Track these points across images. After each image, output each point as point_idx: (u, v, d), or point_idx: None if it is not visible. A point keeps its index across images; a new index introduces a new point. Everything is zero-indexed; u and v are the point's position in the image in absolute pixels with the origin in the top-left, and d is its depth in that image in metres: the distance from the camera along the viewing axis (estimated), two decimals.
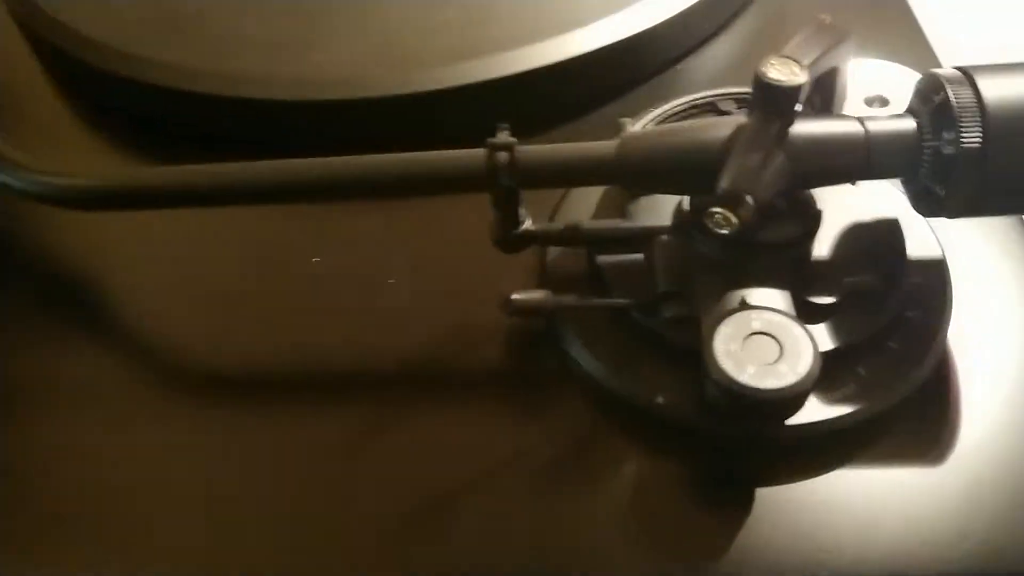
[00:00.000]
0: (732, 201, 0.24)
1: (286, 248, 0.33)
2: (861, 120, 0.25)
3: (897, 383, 0.27)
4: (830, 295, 0.27)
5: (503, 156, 0.25)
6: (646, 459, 0.27)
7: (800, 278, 0.27)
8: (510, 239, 0.28)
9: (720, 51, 0.41)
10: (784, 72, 0.24)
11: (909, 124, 0.25)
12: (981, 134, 0.24)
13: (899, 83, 0.36)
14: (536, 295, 0.26)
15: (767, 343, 0.24)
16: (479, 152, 0.25)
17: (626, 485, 0.27)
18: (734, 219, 0.24)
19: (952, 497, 0.26)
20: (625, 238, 0.29)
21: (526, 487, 0.26)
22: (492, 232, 0.28)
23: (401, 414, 0.28)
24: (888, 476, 0.26)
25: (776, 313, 0.24)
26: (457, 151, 0.26)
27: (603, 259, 0.29)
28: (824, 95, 0.28)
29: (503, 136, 0.26)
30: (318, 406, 0.28)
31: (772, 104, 0.24)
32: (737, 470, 0.27)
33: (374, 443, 0.27)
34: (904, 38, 0.40)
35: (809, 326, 0.26)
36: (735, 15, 0.42)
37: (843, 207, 0.29)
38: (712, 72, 0.40)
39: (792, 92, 0.24)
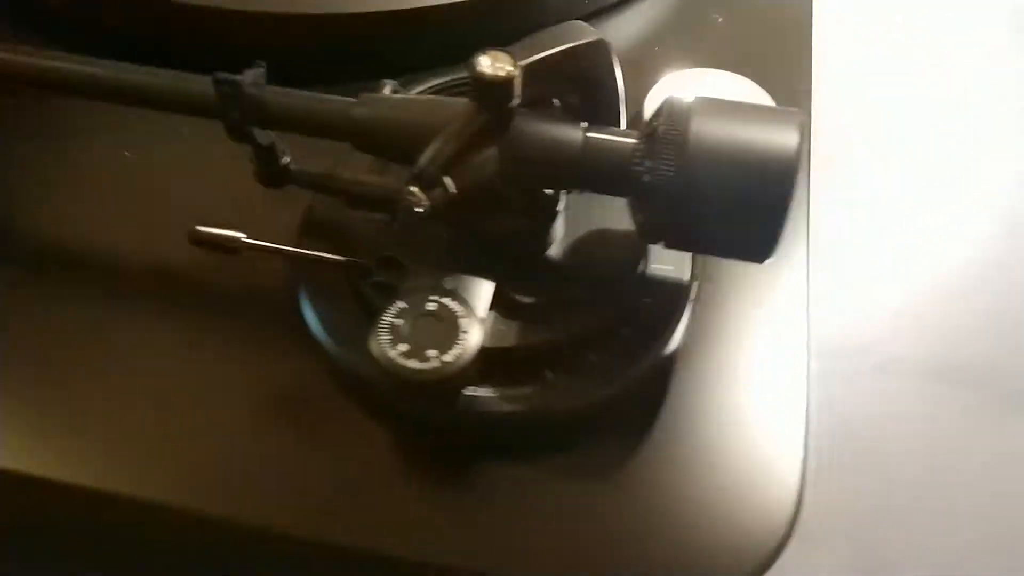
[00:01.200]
0: (423, 182, 0.24)
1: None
2: (587, 129, 0.25)
3: (580, 394, 0.27)
4: (538, 295, 0.27)
5: (227, 90, 0.26)
6: (360, 426, 0.28)
7: (520, 273, 0.27)
8: (265, 173, 0.29)
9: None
10: (495, 65, 0.23)
11: (628, 143, 0.25)
12: (674, 168, 0.23)
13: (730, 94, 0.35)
14: (226, 232, 0.27)
15: (435, 327, 0.25)
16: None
17: (332, 449, 0.28)
18: (424, 200, 0.24)
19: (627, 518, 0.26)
20: (378, 197, 0.29)
21: (245, 429, 0.28)
22: (252, 164, 0.29)
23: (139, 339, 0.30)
24: (580, 483, 0.27)
25: (458, 301, 0.25)
26: (202, 77, 0.27)
27: (356, 214, 0.30)
28: (598, 101, 0.27)
29: (256, 72, 0.27)
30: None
31: (482, 95, 0.24)
32: (441, 449, 0.28)
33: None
34: (787, 57, 0.39)
35: (506, 322, 0.27)
36: None
37: (606, 217, 0.29)
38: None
39: (500, 85, 0.24)
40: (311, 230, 0.30)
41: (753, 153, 0.23)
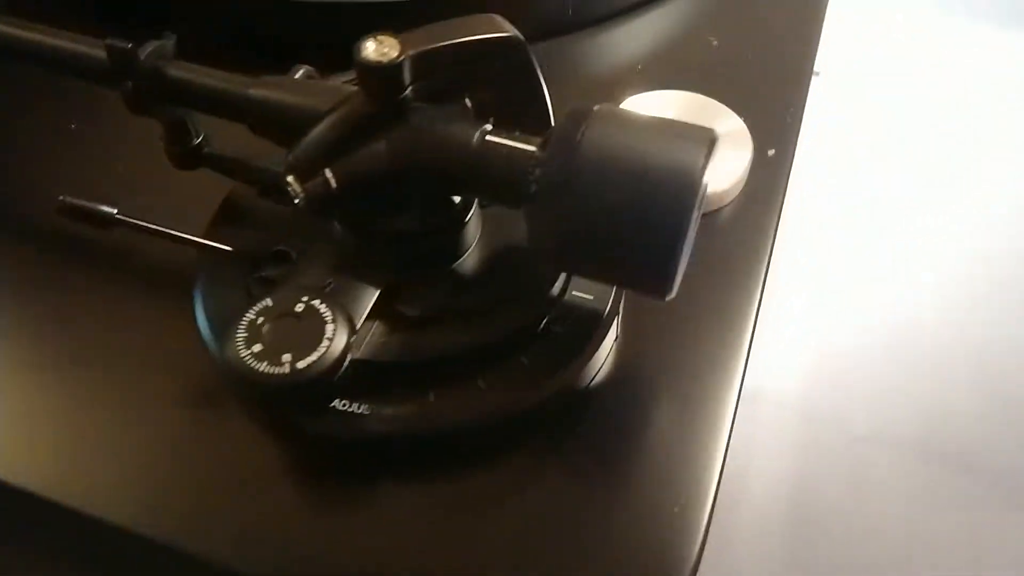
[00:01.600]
0: (298, 172, 0.23)
1: None
2: (486, 131, 0.23)
3: (456, 418, 0.25)
4: (430, 309, 0.25)
5: (119, 58, 0.24)
6: (245, 433, 0.26)
7: (420, 283, 0.25)
8: (175, 153, 0.28)
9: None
10: (379, 50, 0.22)
11: (526, 149, 0.22)
12: (562, 177, 0.21)
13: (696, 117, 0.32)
14: (96, 206, 0.26)
15: (297, 330, 0.23)
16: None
17: (215, 455, 0.26)
18: (299, 191, 0.23)
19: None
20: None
21: (133, 424, 0.26)
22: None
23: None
24: (463, 510, 0.25)
25: (329, 305, 0.23)
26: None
27: (267, 202, 0.28)
28: (521, 104, 0.25)
29: (161, 43, 0.25)
30: None
31: (366, 82, 0.22)
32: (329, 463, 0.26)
33: None
34: (778, 89, 0.36)
35: (398, 334, 0.24)
36: None
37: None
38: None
39: (384, 71, 0.22)
40: (228, 218, 0.29)
41: (650, 168, 0.20)
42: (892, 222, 0.49)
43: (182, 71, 0.25)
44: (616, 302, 0.27)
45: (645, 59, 0.37)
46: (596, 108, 0.22)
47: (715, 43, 0.38)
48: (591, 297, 0.27)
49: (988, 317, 0.45)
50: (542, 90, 0.25)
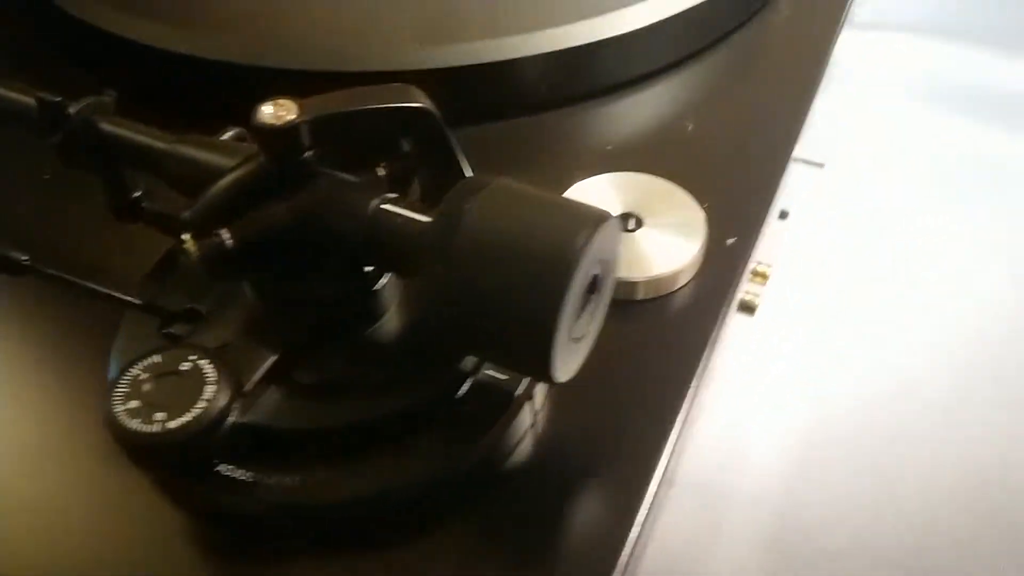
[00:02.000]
0: (192, 230, 0.23)
1: None
2: (384, 200, 0.23)
3: (340, 492, 0.24)
4: (318, 377, 0.24)
5: (47, 111, 0.25)
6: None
7: (324, 348, 0.25)
8: (113, 207, 0.28)
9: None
10: (276, 114, 0.22)
11: (418, 220, 0.22)
12: (444, 251, 0.20)
13: (652, 201, 0.32)
14: (6, 251, 0.26)
15: (178, 389, 0.22)
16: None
17: (116, 509, 0.26)
18: (192, 249, 0.23)
19: None
20: None
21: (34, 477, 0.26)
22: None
23: None
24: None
25: (217, 366, 0.23)
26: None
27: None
28: (436, 174, 0.25)
29: (97, 99, 0.26)
30: None
31: (263, 144, 0.22)
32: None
33: None
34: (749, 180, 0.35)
35: (296, 400, 0.24)
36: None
37: None
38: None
39: (279, 135, 0.22)
40: (162, 273, 0.29)
41: (529, 247, 0.20)
42: (887, 324, 0.47)
43: (113, 126, 0.26)
44: (532, 384, 0.26)
45: (617, 140, 0.37)
46: (491, 182, 0.21)
47: (690, 127, 0.37)
48: (505, 377, 0.26)
49: (984, 421, 0.42)
50: (458, 163, 0.24)
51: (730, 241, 0.32)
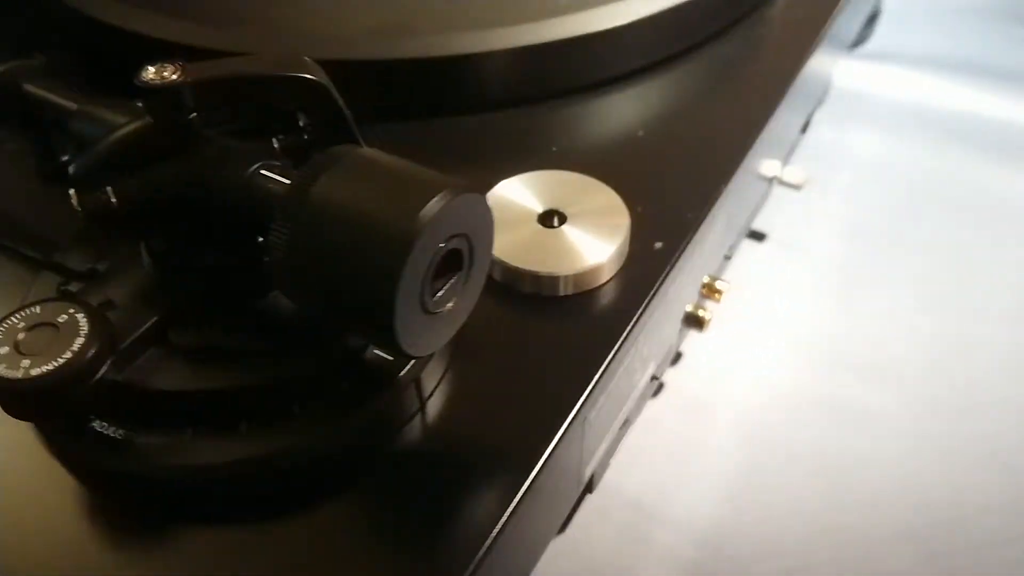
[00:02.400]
0: (79, 185, 0.23)
1: None
2: (264, 165, 0.23)
3: (206, 455, 0.24)
4: (196, 342, 0.24)
5: None
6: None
7: (200, 313, 0.25)
8: (41, 170, 0.29)
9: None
10: (159, 72, 0.22)
11: (284, 182, 0.22)
12: (295, 212, 0.20)
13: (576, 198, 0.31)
14: None
15: (52, 339, 0.23)
16: None
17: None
18: (76, 203, 0.23)
19: None
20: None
21: None
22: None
23: None
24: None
25: (93, 322, 0.23)
26: None
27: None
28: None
29: (26, 62, 0.27)
30: None
31: (146, 103, 0.23)
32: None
33: None
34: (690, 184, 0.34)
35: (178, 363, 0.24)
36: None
37: None
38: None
39: (160, 93, 0.22)
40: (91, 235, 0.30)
41: (373, 213, 0.20)
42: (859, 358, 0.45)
43: (35, 88, 0.27)
44: (418, 367, 0.26)
45: (563, 142, 0.37)
46: (355, 150, 0.21)
47: (641, 133, 0.37)
48: (391, 359, 0.26)
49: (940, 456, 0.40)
50: (355, 139, 0.25)
51: (658, 245, 0.32)
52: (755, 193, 0.43)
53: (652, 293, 0.30)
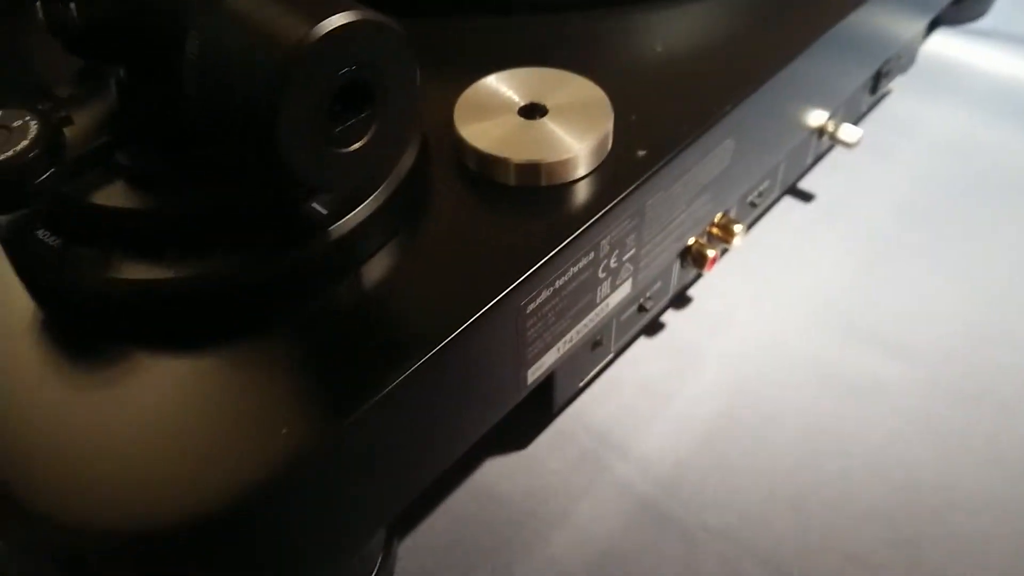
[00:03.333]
0: None
1: None
2: None
3: (132, 273, 0.25)
4: (136, 163, 0.26)
5: None
6: None
7: (149, 136, 0.26)
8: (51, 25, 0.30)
9: None
10: None
11: None
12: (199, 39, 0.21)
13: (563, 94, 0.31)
14: None
15: (7, 139, 0.24)
16: None
17: None
18: (40, 16, 0.24)
19: None
20: None
21: None
22: None
23: None
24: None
25: (43, 129, 0.24)
26: None
27: None
28: None
29: None
30: None
31: None
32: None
33: None
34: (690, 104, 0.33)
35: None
36: None
37: None
38: None
39: None
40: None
41: (267, 30, 0.20)
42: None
43: None
44: (354, 228, 0.26)
45: (579, 48, 0.36)
46: None
47: (659, 48, 0.36)
48: (325, 211, 0.26)
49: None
50: None
51: (641, 153, 0.31)
52: (786, 138, 0.41)
53: (620, 198, 0.29)
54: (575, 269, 0.29)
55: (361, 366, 0.25)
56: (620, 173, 0.30)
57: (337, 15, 0.20)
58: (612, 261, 0.31)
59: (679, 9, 0.39)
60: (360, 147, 0.22)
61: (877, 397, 0.39)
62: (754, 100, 0.34)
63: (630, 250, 0.32)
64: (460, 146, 0.30)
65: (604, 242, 0.30)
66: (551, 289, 0.29)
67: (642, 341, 0.42)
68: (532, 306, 0.28)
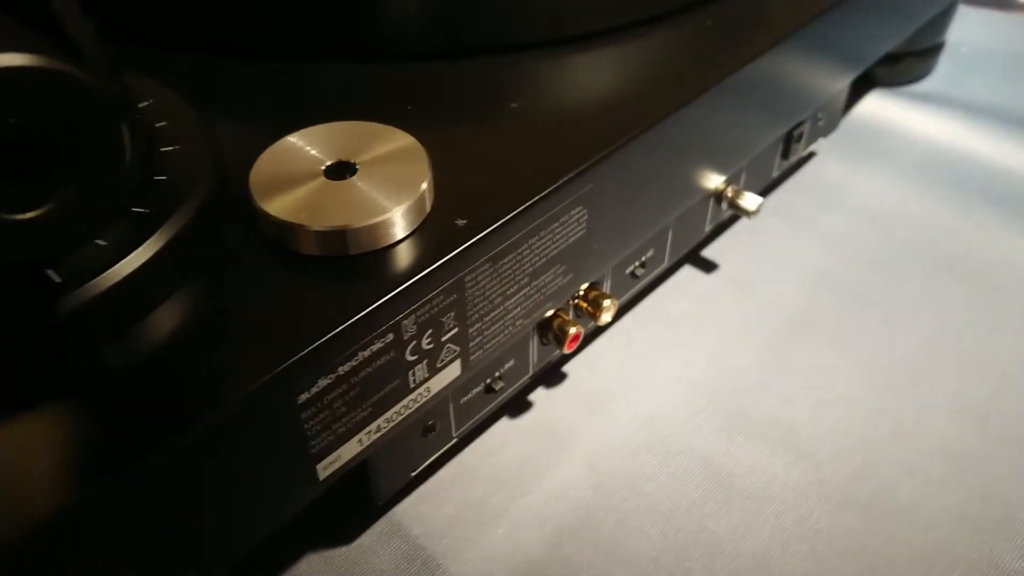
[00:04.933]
0: None
1: None
2: None
3: None
4: None
5: None
6: None
7: None
8: None
9: None
10: None
11: None
12: None
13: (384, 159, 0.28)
14: None
15: None
16: None
17: None
18: None
19: None
20: None
21: None
22: None
23: None
24: None
25: None
26: None
27: None
28: None
29: None
30: None
31: None
32: None
33: None
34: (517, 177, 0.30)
35: None
36: None
37: None
38: None
39: None
40: None
41: None
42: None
43: None
44: (90, 294, 0.23)
45: (423, 103, 0.33)
46: None
47: (514, 106, 0.33)
48: (58, 279, 0.23)
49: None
50: None
51: (460, 222, 0.28)
52: (665, 204, 0.38)
53: (421, 275, 0.26)
54: (366, 353, 0.26)
55: (100, 446, 0.21)
56: (433, 243, 0.27)
57: None
58: (425, 342, 0.28)
59: (551, 59, 0.36)
60: (41, 214, 0.19)
61: (759, 498, 0.36)
62: (612, 163, 0.31)
63: (451, 329, 0.29)
64: (257, 214, 0.27)
65: (407, 322, 0.27)
66: (332, 376, 0.25)
67: (503, 423, 0.39)
68: (306, 396, 0.25)
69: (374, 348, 0.26)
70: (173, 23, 0.36)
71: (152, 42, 0.36)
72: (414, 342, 0.28)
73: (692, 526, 0.35)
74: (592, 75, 0.36)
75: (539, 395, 0.40)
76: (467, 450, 0.38)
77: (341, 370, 0.25)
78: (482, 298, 0.29)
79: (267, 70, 0.36)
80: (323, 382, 0.25)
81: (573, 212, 0.31)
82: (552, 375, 0.41)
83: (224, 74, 0.35)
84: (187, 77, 0.34)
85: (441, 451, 0.35)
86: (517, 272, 0.30)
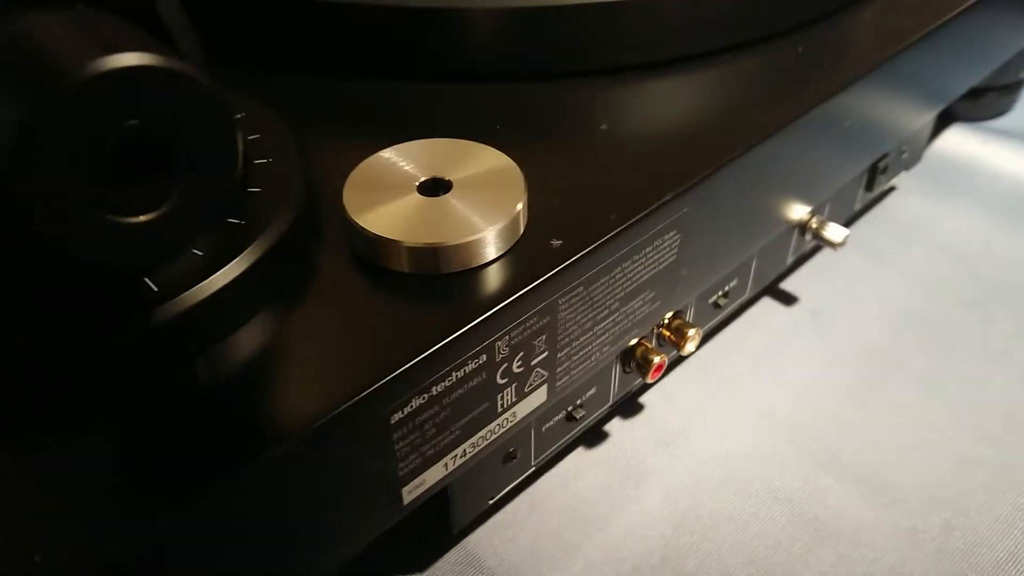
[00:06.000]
0: None
1: None
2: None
3: None
4: None
5: None
6: None
7: None
8: None
9: None
10: None
11: None
12: None
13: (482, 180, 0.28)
14: None
15: None
16: None
17: None
18: None
19: None
20: None
21: None
22: None
23: None
24: None
25: None
26: None
27: None
28: None
29: None
30: None
31: None
32: None
33: None
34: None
35: None
36: None
37: None
38: None
39: None
40: None
41: (33, 64, 0.17)
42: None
43: None
44: (184, 306, 0.23)
45: (514, 121, 0.33)
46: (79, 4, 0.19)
47: (604, 127, 0.33)
48: (156, 288, 0.23)
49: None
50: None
51: (556, 243, 0.27)
52: (753, 233, 0.37)
53: (517, 295, 0.26)
54: (459, 374, 0.25)
55: (182, 459, 0.21)
56: (527, 264, 0.27)
57: (109, 58, 0.17)
58: (516, 366, 0.28)
59: (639, 82, 0.36)
60: (153, 218, 0.19)
61: (846, 543, 0.35)
62: (708, 188, 0.31)
63: (541, 353, 0.28)
64: (349, 228, 0.27)
65: (500, 344, 0.26)
66: (425, 396, 0.25)
67: (579, 453, 0.38)
68: (399, 416, 0.24)
69: (467, 369, 0.26)
70: (263, 40, 0.37)
71: (240, 59, 0.37)
72: (505, 364, 0.27)
73: (780, 569, 0.34)
74: (680, 99, 0.35)
75: (614, 425, 0.39)
76: (541, 480, 0.37)
77: (434, 390, 0.25)
78: (573, 322, 0.29)
79: (354, 88, 0.36)
80: (416, 402, 0.25)
81: (667, 236, 0.30)
82: (628, 406, 0.40)
83: (311, 90, 0.36)
84: (276, 93, 0.34)
85: (519, 479, 0.35)
86: (608, 297, 0.30)
